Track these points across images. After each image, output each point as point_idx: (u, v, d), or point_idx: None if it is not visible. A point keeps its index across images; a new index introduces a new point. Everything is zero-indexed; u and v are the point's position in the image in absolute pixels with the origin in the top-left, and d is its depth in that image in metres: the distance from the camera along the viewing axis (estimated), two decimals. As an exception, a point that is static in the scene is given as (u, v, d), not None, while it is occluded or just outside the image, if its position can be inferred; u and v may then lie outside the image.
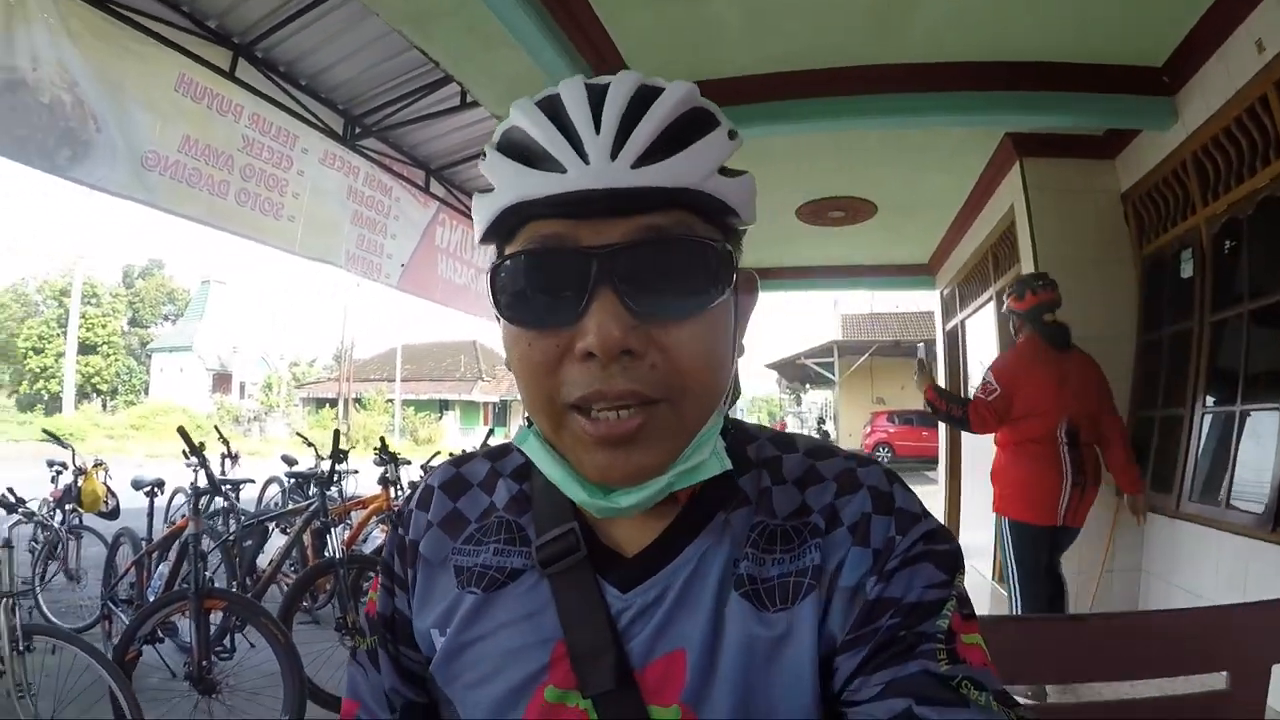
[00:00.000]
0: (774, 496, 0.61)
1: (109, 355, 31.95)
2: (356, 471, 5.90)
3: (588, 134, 0.51)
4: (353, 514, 4.89)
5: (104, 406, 27.75)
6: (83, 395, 28.77)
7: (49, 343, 30.00)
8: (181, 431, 3.91)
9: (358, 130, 4.92)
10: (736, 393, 0.64)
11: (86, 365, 30.23)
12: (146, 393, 31.93)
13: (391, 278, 5.58)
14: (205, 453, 3.91)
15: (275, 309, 33.31)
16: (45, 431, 5.93)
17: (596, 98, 0.53)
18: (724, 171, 0.54)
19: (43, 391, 28.77)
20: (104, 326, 32.13)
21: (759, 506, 0.61)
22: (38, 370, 29.63)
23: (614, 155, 0.50)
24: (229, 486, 4.95)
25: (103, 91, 3.11)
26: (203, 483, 3.82)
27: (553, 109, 0.53)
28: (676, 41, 3.09)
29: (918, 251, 6.80)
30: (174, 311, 38.55)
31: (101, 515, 4.99)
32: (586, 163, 0.50)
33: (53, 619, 4.54)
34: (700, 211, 0.53)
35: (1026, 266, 4.08)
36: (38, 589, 4.68)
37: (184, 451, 3.91)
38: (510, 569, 0.63)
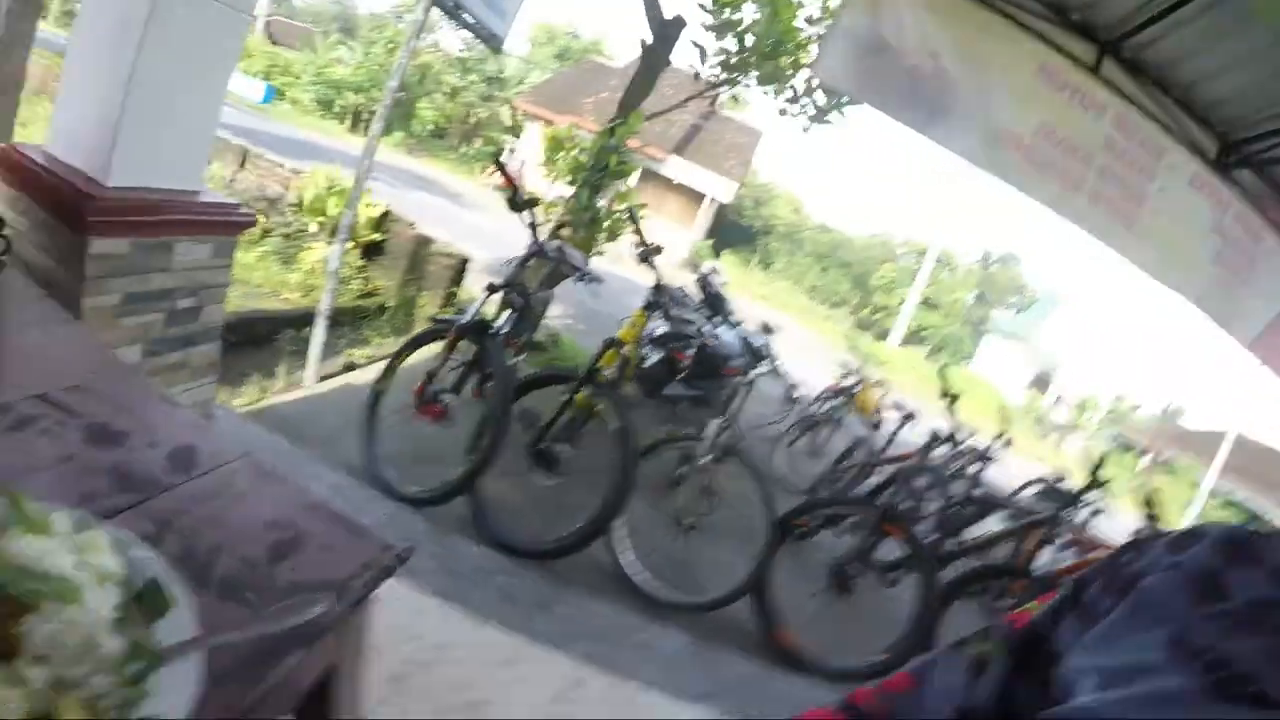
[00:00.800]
0: None
1: (947, 316, 35.80)
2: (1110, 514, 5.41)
3: None
4: (1076, 551, 4.57)
5: (926, 356, 31.48)
6: (911, 340, 33.26)
7: (897, 287, 35.38)
8: (941, 372, 4.14)
9: (1233, 159, 4.00)
10: None
11: (924, 318, 34.65)
12: (969, 360, 34.82)
13: (1245, 336, 4.58)
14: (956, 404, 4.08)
15: (1124, 337, 31.27)
16: (847, 336, 7.10)
17: None
18: None
19: (877, 322, 34.47)
20: (951, 293, 35.93)
21: None
22: (878, 305, 35.54)
23: None
24: (960, 452, 5.05)
25: (964, 66, 3.35)
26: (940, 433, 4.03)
27: None
28: None
29: None
30: (1019, 303, 40.32)
31: (865, 424, 5.80)
32: None
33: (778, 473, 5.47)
34: None
35: None
36: (786, 443, 5.77)
37: (941, 394, 4.19)
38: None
